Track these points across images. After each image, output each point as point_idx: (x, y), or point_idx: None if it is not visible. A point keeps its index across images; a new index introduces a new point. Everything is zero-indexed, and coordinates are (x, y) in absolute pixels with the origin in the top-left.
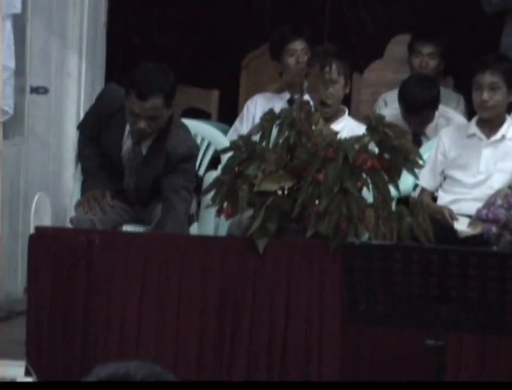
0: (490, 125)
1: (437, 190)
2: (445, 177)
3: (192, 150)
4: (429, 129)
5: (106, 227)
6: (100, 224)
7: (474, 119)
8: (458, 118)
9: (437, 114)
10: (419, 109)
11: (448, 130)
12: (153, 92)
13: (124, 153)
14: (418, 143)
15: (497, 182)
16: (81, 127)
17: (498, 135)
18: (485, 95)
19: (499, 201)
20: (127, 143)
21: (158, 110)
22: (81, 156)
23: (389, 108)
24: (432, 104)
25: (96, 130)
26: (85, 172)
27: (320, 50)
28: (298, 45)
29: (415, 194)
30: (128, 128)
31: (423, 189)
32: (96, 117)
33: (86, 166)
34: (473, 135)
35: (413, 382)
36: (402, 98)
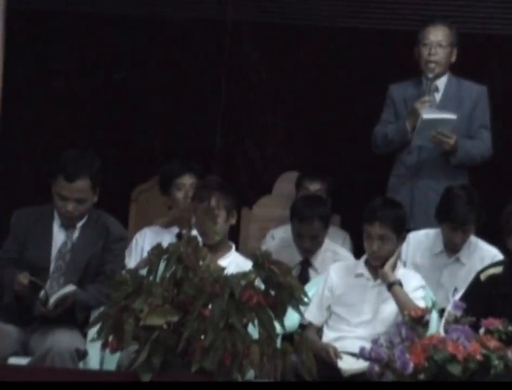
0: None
1: (323, 325)
2: (330, 313)
3: (125, 232)
4: (317, 262)
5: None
6: None
7: (362, 259)
8: (344, 252)
9: (323, 247)
10: (312, 217)
11: (338, 266)
12: (80, 174)
13: (54, 251)
14: (306, 276)
15: (380, 323)
16: None
17: None
18: (375, 246)
19: (381, 340)
20: (59, 238)
21: (85, 193)
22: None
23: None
24: (323, 219)
25: (16, 255)
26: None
27: (201, 184)
28: (187, 180)
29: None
30: (56, 227)
31: (310, 324)
32: (15, 241)
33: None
34: (361, 274)
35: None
36: (295, 212)
